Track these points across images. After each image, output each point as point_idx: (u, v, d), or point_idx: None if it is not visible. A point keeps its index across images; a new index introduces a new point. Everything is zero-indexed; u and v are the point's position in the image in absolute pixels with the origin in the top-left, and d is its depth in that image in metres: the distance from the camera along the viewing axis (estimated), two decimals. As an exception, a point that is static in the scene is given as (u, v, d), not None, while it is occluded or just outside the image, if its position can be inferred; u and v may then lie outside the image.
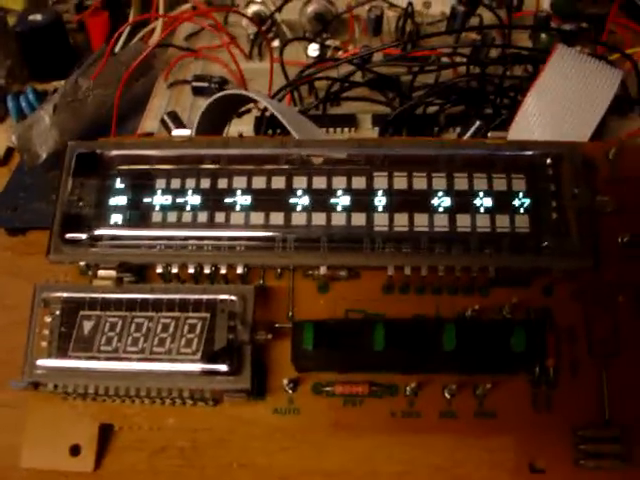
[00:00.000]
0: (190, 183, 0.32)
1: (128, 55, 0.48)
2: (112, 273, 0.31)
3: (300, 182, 0.32)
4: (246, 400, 0.30)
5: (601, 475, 0.29)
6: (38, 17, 0.51)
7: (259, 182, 0.32)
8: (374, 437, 0.31)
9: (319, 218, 0.31)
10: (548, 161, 0.31)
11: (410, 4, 0.50)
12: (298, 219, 0.31)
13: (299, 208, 0.31)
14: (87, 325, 0.30)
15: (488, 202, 0.31)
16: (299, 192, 0.31)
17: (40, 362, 0.30)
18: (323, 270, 0.31)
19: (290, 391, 0.30)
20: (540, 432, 0.30)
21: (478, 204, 0.31)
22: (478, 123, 0.38)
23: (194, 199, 0.32)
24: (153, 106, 0.48)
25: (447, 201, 0.31)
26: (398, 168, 0.31)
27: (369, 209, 0.31)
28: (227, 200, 0.31)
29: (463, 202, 0.31)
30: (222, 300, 0.30)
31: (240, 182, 0.32)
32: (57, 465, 0.31)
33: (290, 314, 0.31)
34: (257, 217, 0.31)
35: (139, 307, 0.30)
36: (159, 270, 0.31)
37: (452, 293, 0.31)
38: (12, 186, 0.45)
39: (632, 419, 0.29)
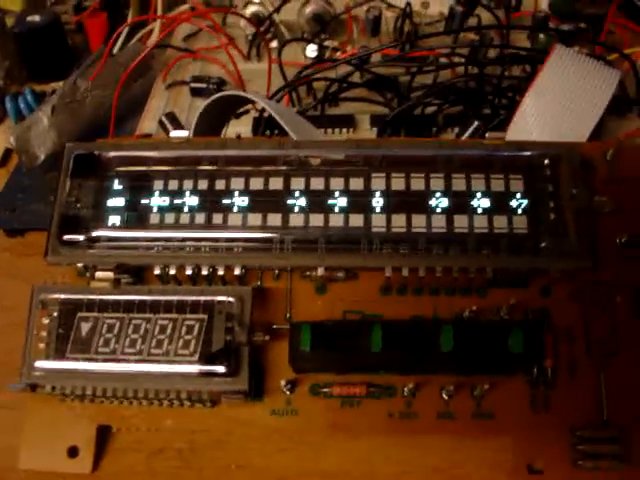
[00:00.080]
0: (188, 184, 0.32)
1: (126, 56, 0.48)
2: (110, 274, 0.31)
3: (298, 183, 0.32)
4: (244, 401, 0.30)
5: (599, 476, 0.29)
6: (36, 18, 0.51)
7: (257, 183, 0.32)
8: (372, 438, 0.31)
9: (317, 219, 0.31)
10: (546, 162, 0.31)
11: (408, 4, 0.50)
12: (296, 220, 0.31)
13: (297, 209, 0.31)
14: (85, 327, 0.30)
15: (486, 203, 0.31)
16: (297, 193, 0.31)
17: (38, 364, 0.30)
18: (321, 271, 0.31)
19: (288, 392, 0.30)
20: (538, 433, 0.30)
21: (476, 205, 0.31)
22: (476, 123, 0.38)
23: (192, 200, 0.32)
24: (151, 107, 0.48)
25: (445, 202, 0.31)
26: (396, 169, 0.31)
27: (367, 210, 0.31)
28: (225, 201, 0.31)
29: (461, 203, 0.31)
30: (220, 301, 0.30)
31: (238, 183, 0.32)
32: (55, 466, 0.31)
33: (288, 315, 0.31)
34: (255, 218, 0.31)
35: (137, 309, 0.30)
36: (157, 271, 0.31)
37: (450, 294, 0.31)
38: (10, 187, 0.45)
39: (630, 419, 0.29)
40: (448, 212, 0.30)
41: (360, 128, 0.44)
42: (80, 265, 0.31)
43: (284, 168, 0.32)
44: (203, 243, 0.31)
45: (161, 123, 0.40)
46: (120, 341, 0.30)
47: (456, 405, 0.30)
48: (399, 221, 0.30)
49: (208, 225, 0.31)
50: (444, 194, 0.31)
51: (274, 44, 0.51)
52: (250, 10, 0.52)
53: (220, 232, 0.31)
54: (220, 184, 0.32)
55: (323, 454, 0.31)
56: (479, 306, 0.30)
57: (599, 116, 0.36)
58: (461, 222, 0.30)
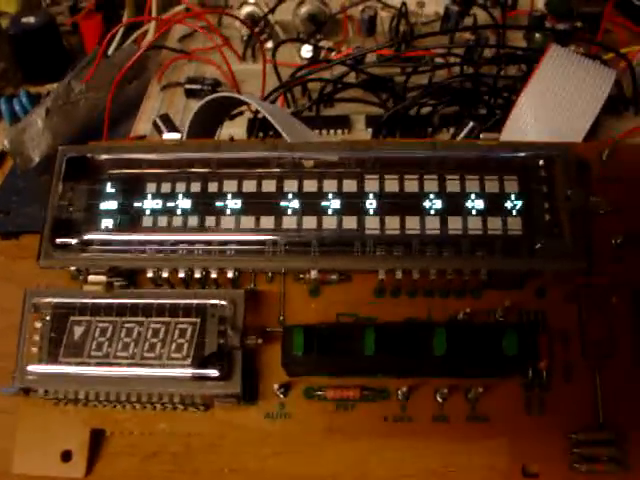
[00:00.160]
0: (180, 187, 0.32)
1: (121, 57, 0.48)
2: (102, 278, 0.31)
3: (291, 185, 0.31)
4: (237, 405, 0.30)
5: (596, 479, 0.29)
6: (31, 20, 0.51)
7: (250, 186, 0.32)
8: (366, 441, 0.31)
9: (310, 222, 0.31)
10: (541, 162, 0.31)
11: (404, 4, 0.49)
12: (289, 223, 0.31)
13: (290, 212, 0.31)
14: (77, 330, 0.30)
15: (480, 204, 0.30)
16: (290, 195, 0.31)
17: (31, 368, 0.30)
18: (314, 274, 0.30)
19: (281, 396, 0.30)
20: (533, 436, 0.29)
21: (470, 206, 0.30)
22: (471, 124, 0.38)
23: (185, 203, 0.32)
24: (146, 108, 0.48)
25: (439, 203, 0.30)
26: (389, 171, 0.31)
27: (360, 212, 0.31)
28: (218, 204, 0.31)
29: (455, 204, 0.30)
30: (212, 305, 0.30)
31: (231, 186, 0.32)
32: (48, 471, 0.31)
33: (281, 318, 0.31)
34: (248, 221, 0.31)
35: (129, 312, 0.30)
36: (149, 275, 0.31)
37: (444, 296, 0.31)
38: (5, 190, 0.45)
39: (627, 421, 0.29)
40: (442, 214, 0.30)
41: (355, 129, 0.44)
42: (73, 268, 0.31)
43: (277, 170, 0.32)
44: (196, 246, 0.31)
45: (155, 125, 0.39)
46: (113, 345, 0.30)
47: (450, 408, 0.29)
48: (393, 223, 0.30)
49: (201, 228, 0.31)
50: (438, 195, 0.31)
51: (269, 44, 0.50)
52: (245, 11, 0.51)
53: (213, 235, 0.31)
54: (213, 186, 0.32)
55: (317, 457, 0.31)
56: (474, 308, 0.30)
57: (595, 116, 0.36)
58: (455, 224, 0.30)
